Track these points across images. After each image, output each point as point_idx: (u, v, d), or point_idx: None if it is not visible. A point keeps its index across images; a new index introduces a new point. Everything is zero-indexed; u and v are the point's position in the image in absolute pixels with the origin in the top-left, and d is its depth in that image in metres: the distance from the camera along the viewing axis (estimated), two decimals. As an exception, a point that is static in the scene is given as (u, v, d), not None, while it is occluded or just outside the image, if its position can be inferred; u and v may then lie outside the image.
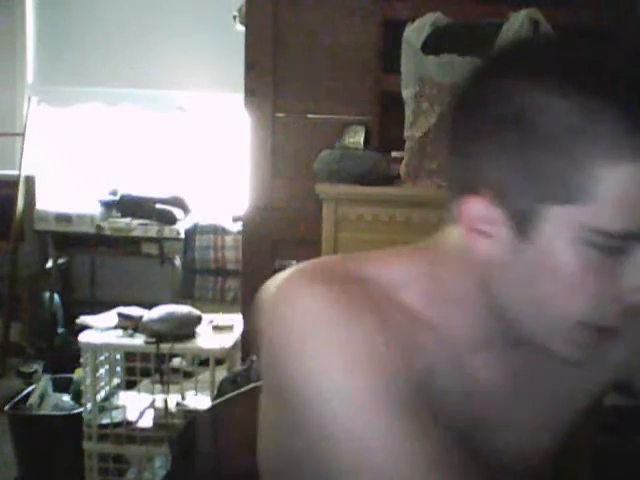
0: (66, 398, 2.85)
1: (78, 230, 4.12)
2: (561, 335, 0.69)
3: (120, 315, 2.55)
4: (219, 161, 4.56)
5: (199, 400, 2.49)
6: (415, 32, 2.30)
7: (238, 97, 2.81)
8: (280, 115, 2.71)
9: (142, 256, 4.19)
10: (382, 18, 2.59)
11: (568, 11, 2.41)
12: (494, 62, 0.71)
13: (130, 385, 2.60)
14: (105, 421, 2.50)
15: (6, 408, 2.77)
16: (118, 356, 2.58)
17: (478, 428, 0.77)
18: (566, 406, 0.84)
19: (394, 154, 2.45)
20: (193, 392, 2.55)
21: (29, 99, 4.26)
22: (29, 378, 3.57)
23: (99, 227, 4.09)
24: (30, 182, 4.14)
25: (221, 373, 2.37)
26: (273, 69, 2.68)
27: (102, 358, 2.53)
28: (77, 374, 2.82)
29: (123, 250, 4.22)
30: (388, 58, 2.52)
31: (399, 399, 0.67)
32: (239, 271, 3.59)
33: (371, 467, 0.65)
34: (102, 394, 2.54)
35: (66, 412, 2.74)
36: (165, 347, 2.41)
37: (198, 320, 2.55)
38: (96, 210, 4.14)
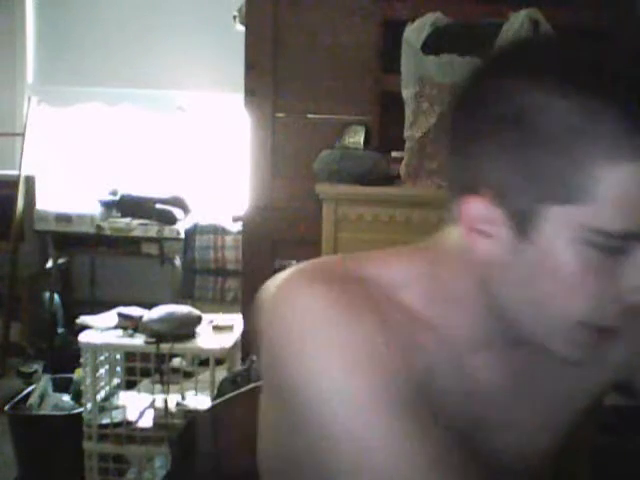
0: (66, 398, 2.85)
1: (78, 230, 4.12)
2: (561, 335, 0.69)
3: (120, 315, 2.55)
4: (219, 161, 4.56)
5: (199, 400, 2.49)
6: (415, 32, 2.30)
7: (238, 97, 2.81)
8: (280, 115, 2.71)
9: (142, 256, 4.19)
10: (382, 18, 2.59)
11: (568, 11, 2.41)
12: (494, 62, 0.71)
13: (130, 385, 2.60)
14: (105, 421, 2.50)
15: (6, 408, 2.77)
16: (118, 356, 2.58)
17: (478, 428, 0.77)
18: (566, 406, 0.84)
19: (394, 154, 2.45)
20: (193, 392, 2.55)
21: (29, 99, 4.26)
22: (29, 378, 3.57)
23: (99, 227, 4.09)
24: (30, 182, 4.14)
25: (221, 373, 2.37)
26: (273, 69, 2.68)
27: (102, 358, 2.53)
28: (77, 374, 2.82)
29: (123, 250, 4.22)
30: (388, 58, 2.52)
31: (399, 399, 0.67)
32: (239, 271, 3.59)
33: (371, 467, 0.65)
34: (102, 394, 2.54)
35: (66, 412, 2.74)
36: (165, 347, 2.41)
37: (198, 320, 2.55)
38: (96, 210, 4.14)
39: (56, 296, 4.24)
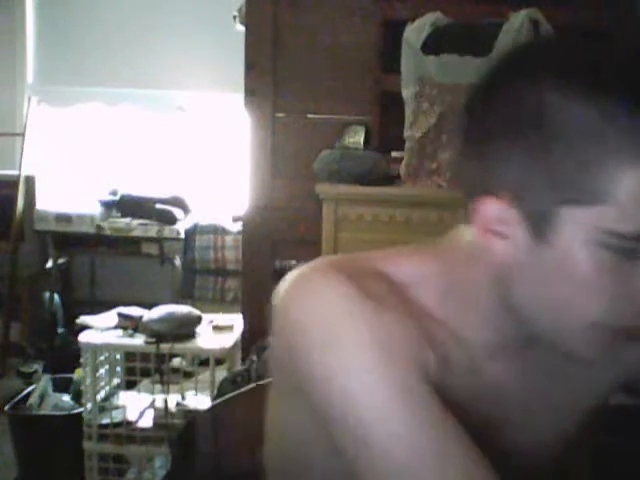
0: (66, 398, 2.85)
1: (78, 230, 4.12)
2: (576, 336, 0.69)
3: (120, 315, 2.55)
4: (219, 161, 4.56)
5: (199, 400, 2.49)
6: (415, 32, 2.30)
7: (238, 97, 2.81)
8: (280, 115, 2.71)
9: (142, 256, 4.19)
10: (382, 18, 2.59)
11: (568, 11, 2.41)
12: (508, 63, 0.70)
13: (130, 385, 2.60)
14: (105, 421, 2.50)
15: (6, 408, 2.77)
16: (118, 356, 2.58)
17: (488, 427, 0.77)
18: (576, 406, 0.85)
19: (394, 154, 2.45)
20: (193, 392, 2.55)
21: (29, 99, 4.26)
22: (29, 378, 3.57)
23: (99, 227, 4.09)
24: (30, 182, 4.14)
25: (221, 373, 2.37)
26: (273, 69, 2.68)
27: (102, 358, 2.53)
28: (77, 374, 2.82)
29: (123, 250, 4.22)
30: (388, 58, 2.52)
31: (420, 391, 0.67)
32: (239, 271, 3.59)
33: (398, 455, 0.65)
34: (102, 394, 2.54)
35: (66, 412, 2.75)
36: (165, 347, 2.42)
37: (198, 320, 2.55)
38: (96, 210, 4.14)
39: (56, 296, 4.24)
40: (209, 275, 4.12)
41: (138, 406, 2.56)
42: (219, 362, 2.47)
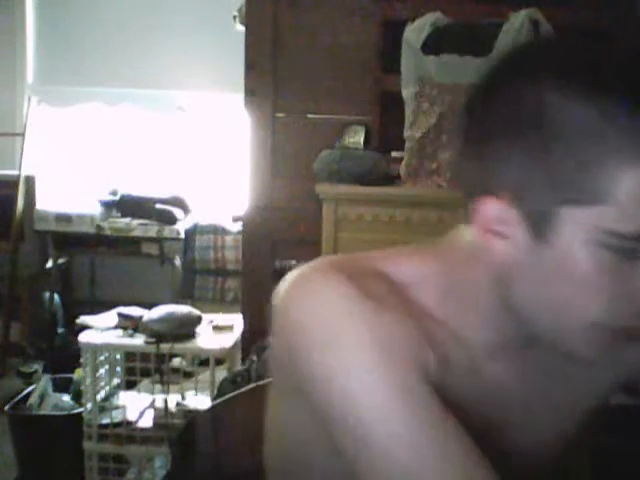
0: (66, 398, 2.85)
1: (78, 230, 4.12)
2: (576, 336, 0.69)
3: (120, 315, 2.55)
4: (219, 161, 4.56)
5: (199, 400, 2.49)
6: (415, 32, 2.30)
7: (238, 97, 2.81)
8: (280, 115, 2.71)
9: (142, 256, 4.19)
10: (382, 18, 2.59)
11: (568, 11, 2.41)
12: (508, 63, 0.70)
13: (130, 385, 2.60)
14: (105, 421, 2.50)
15: (6, 408, 2.77)
16: (118, 356, 2.58)
17: (488, 428, 0.77)
18: (576, 406, 0.85)
19: (394, 154, 2.45)
20: (193, 392, 2.55)
21: (29, 99, 4.26)
22: (29, 378, 3.57)
23: (99, 227, 4.09)
24: (30, 182, 4.14)
25: (221, 373, 2.37)
26: (273, 69, 2.68)
27: (102, 358, 2.53)
28: (77, 374, 2.82)
29: (123, 250, 4.22)
30: (388, 58, 2.52)
31: (421, 390, 0.67)
32: (239, 271, 3.59)
33: (398, 455, 0.65)
34: (102, 394, 2.54)
35: (66, 412, 2.75)
36: (165, 347, 2.42)
37: (198, 320, 2.55)
38: (96, 210, 4.14)
39: (56, 296, 4.24)
40: (209, 275, 4.12)
41: (138, 406, 2.56)
42: (219, 362, 2.47)
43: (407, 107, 2.34)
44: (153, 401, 2.51)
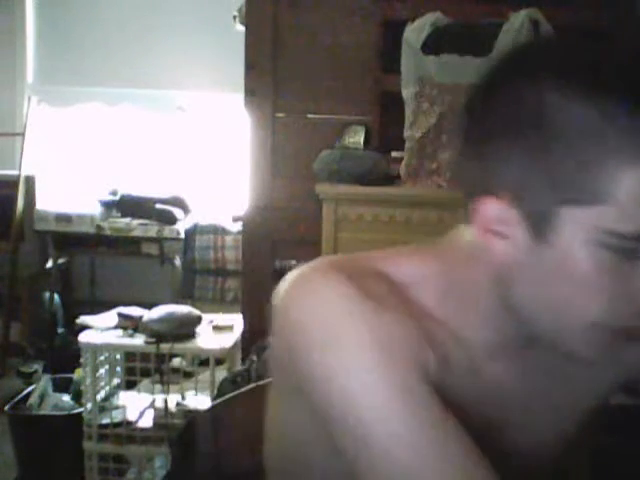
0: (66, 398, 2.85)
1: (78, 230, 4.12)
2: (576, 336, 0.69)
3: (120, 315, 2.55)
4: (219, 161, 4.56)
5: (199, 400, 2.49)
6: (415, 32, 2.30)
7: (238, 97, 2.81)
8: (280, 115, 2.71)
9: (142, 256, 4.20)
10: (382, 18, 2.59)
11: (568, 11, 2.41)
12: (508, 63, 0.70)
13: (130, 385, 2.60)
14: (105, 421, 2.50)
15: (6, 408, 2.77)
16: (118, 356, 2.58)
17: (488, 428, 0.77)
18: (576, 406, 0.85)
19: (394, 154, 2.45)
20: (193, 392, 2.55)
21: (29, 99, 4.26)
22: (29, 378, 3.57)
23: (99, 227, 4.09)
24: (30, 182, 4.14)
25: (221, 373, 2.37)
26: (273, 69, 2.68)
27: (102, 358, 2.53)
28: (77, 374, 2.82)
29: (123, 250, 4.22)
30: (388, 58, 2.52)
31: (420, 390, 0.67)
32: (239, 271, 3.59)
33: (398, 455, 0.65)
34: (102, 394, 2.54)
35: (66, 412, 2.75)
36: (165, 347, 2.42)
37: (198, 320, 2.55)
38: (96, 210, 4.14)
39: (56, 296, 4.24)
40: (209, 275, 4.12)
41: (138, 406, 2.56)
42: (219, 362, 2.47)
43: (407, 107, 2.34)
44: (153, 401, 2.51)
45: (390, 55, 2.46)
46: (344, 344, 0.68)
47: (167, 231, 4.08)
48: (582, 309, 0.67)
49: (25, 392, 2.87)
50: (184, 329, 2.49)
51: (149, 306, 2.60)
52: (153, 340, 2.42)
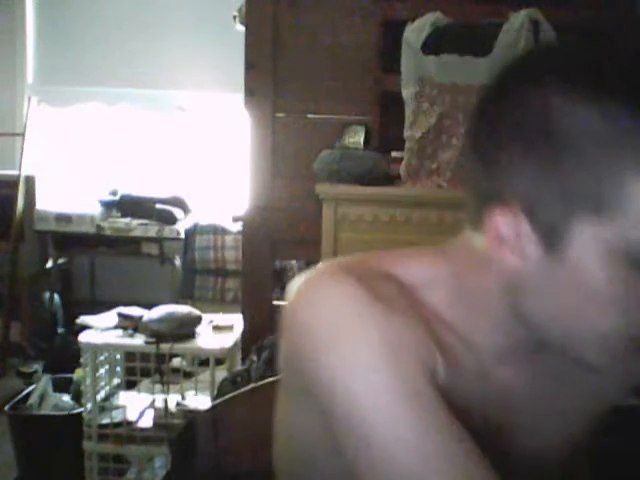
0: (66, 398, 2.85)
1: (78, 230, 4.12)
2: (588, 346, 0.69)
3: (120, 315, 2.55)
4: (219, 161, 4.56)
5: (199, 400, 2.49)
6: (415, 32, 2.30)
7: (238, 97, 2.81)
8: (280, 115, 2.71)
9: (142, 256, 4.20)
10: (382, 18, 2.58)
11: (568, 11, 2.41)
12: (514, 68, 0.70)
13: (130, 385, 2.60)
14: (105, 421, 2.50)
15: (6, 408, 2.77)
16: (118, 356, 2.58)
17: (496, 431, 0.77)
18: (584, 410, 0.85)
19: (394, 154, 2.45)
20: (193, 392, 2.55)
21: (29, 99, 4.26)
22: (29, 378, 3.57)
23: (99, 227, 4.09)
24: (30, 182, 4.14)
25: (221, 373, 2.37)
26: (273, 69, 2.68)
27: (102, 358, 2.53)
28: (77, 374, 2.82)
29: (123, 250, 4.22)
30: (388, 58, 2.52)
31: (428, 394, 0.67)
32: (239, 271, 3.59)
33: (403, 459, 0.65)
34: (102, 394, 2.54)
35: (66, 412, 2.75)
36: (165, 347, 2.42)
37: (198, 320, 2.56)
38: (96, 210, 4.15)
39: (56, 296, 4.24)
40: (209, 275, 4.12)
41: (138, 406, 2.56)
42: (219, 362, 2.47)
43: (407, 107, 2.33)
44: (153, 401, 2.51)
45: (390, 55, 2.46)
46: (353, 345, 0.67)
47: (167, 231, 4.08)
48: (595, 321, 0.67)
49: (25, 392, 2.87)
50: (184, 329, 2.49)
51: (149, 306, 2.60)
52: (153, 340, 2.42)
